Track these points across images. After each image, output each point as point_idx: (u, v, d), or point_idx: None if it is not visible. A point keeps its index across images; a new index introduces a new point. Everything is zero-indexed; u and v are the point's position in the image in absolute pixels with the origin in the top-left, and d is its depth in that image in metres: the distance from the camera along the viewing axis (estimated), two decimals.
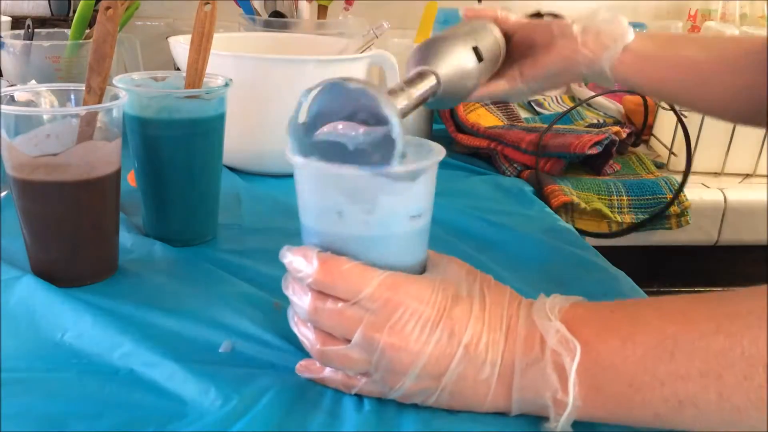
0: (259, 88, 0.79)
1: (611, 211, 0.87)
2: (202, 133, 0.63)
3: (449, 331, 0.40)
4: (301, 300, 0.42)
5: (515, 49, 0.67)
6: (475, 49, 0.58)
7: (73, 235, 0.54)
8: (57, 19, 1.19)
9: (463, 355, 0.40)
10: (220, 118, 0.64)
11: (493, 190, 0.86)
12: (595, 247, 0.71)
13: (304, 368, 0.45)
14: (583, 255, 0.68)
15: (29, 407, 0.41)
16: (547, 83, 0.68)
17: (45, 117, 0.53)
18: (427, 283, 0.41)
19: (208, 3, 0.61)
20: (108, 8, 0.52)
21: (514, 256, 0.66)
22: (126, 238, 0.63)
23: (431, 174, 0.42)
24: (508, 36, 0.67)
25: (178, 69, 0.86)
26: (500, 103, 1.13)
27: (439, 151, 0.43)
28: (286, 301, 0.53)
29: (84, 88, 0.54)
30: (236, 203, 0.75)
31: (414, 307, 0.40)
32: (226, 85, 0.64)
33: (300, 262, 0.41)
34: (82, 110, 0.53)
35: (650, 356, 0.37)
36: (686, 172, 0.91)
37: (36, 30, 0.90)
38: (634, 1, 1.43)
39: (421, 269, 0.44)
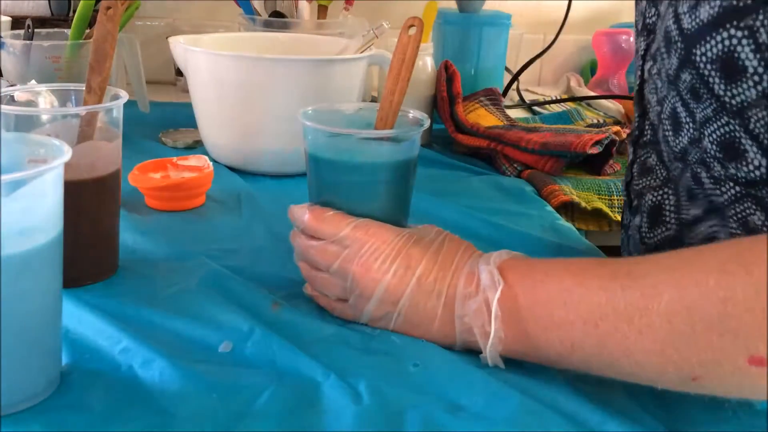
0: (258, 88, 0.80)
1: (611, 211, 0.87)
2: (388, 180, 0.54)
3: (406, 265, 0.49)
4: (297, 242, 0.54)
5: None
6: None
7: (73, 235, 0.54)
8: (57, 19, 1.19)
9: (415, 285, 0.48)
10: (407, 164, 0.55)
11: (493, 190, 0.86)
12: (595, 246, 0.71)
13: (308, 288, 0.55)
14: (584, 254, 0.68)
15: (29, 407, 0.41)
16: None
17: (45, 117, 0.53)
18: (393, 229, 0.51)
19: (413, 25, 0.53)
20: (108, 8, 0.52)
21: None
22: (126, 238, 0.63)
23: None
24: None
25: (179, 69, 0.86)
26: (500, 104, 1.13)
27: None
28: (285, 300, 0.55)
29: (84, 88, 0.54)
30: (236, 203, 0.75)
31: (378, 245, 0.50)
32: (421, 125, 0.55)
33: (297, 213, 0.54)
34: (82, 110, 0.53)
35: (551, 302, 0.44)
36: None
37: (36, 30, 0.90)
38: (633, 1, 1.42)
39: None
